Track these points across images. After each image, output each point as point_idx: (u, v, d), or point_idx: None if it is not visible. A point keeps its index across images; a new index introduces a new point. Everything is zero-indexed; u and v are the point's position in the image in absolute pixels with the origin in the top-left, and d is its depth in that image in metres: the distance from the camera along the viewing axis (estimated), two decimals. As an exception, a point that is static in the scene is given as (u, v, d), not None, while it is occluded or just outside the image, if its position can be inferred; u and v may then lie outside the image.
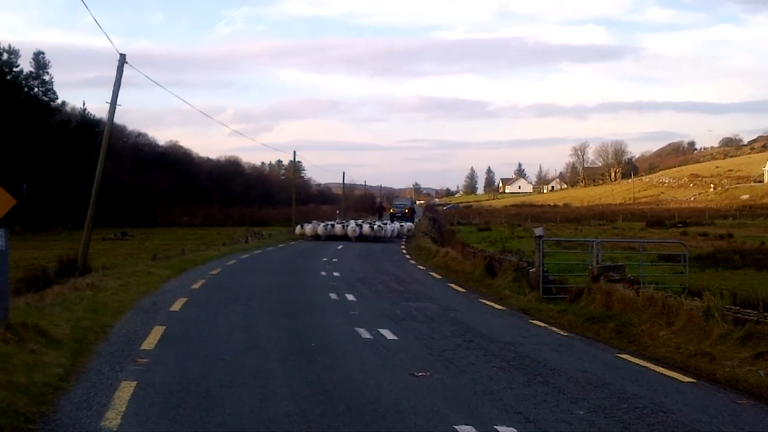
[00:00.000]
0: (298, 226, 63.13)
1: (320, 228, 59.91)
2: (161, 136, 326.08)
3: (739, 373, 11.38)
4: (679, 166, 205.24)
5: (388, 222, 68.22)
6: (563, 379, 11.15)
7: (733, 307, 14.34)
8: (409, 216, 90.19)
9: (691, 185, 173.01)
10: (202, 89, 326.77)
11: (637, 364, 12.53)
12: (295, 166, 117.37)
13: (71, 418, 8.62)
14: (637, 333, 14.99)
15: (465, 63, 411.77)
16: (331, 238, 58.03)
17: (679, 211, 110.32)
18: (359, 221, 64.88)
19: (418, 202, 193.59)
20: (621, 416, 9.15)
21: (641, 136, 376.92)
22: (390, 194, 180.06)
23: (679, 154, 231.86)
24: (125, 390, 9.85)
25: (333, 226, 60.58)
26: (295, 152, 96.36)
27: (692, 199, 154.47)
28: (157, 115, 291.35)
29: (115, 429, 8.25)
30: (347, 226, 59.93)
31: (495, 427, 8.51)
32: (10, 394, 8.95)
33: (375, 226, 59.95)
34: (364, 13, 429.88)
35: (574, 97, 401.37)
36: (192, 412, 8.93)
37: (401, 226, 65.08)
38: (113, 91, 31.95)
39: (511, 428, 8.48)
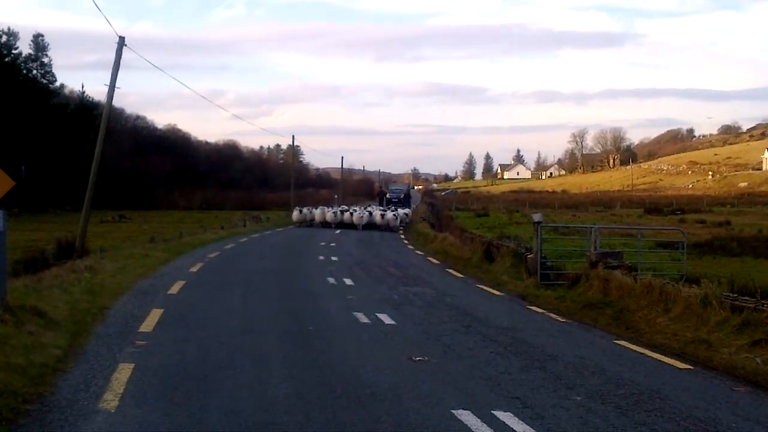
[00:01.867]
0: (296, 211, 56.22)
1: (329, 214, 53.57)
2: (161, 119, 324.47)
3: (736, 360, 11.42)
4: (677, 153, 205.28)
5: (393, 209, 60.80)
6: (560, 365, 11.17)
7: (730, 295, 14.40)
8: (404, 201, 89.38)
9: (690, 172, 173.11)
10: (203, 73, 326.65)
11: (635, 351, 12.55)
12: (294, 151, 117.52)
13: (69, 399, 8.63)
14: (635, 320, 15.01)
15: (467, 48, 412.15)
16: (338, 225, 52.34)
17: (677, 198, 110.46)
18: (368, 207, 59.78)
19: (416, 188, 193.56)
20: (618, 402, 9.17)
21: (641, 123, 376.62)
22: (389, 179, 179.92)
23: (678, 141, 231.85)
24: (123, 372, 9.86)
25: (341, 212, 53.91)
26: (293, 136, 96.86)
27: (690, 186, 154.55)
28: (157, 99, 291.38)
29: (113, 411, 8.26)
30: (353, 212, 53.77)
31: (492, 412, 8.53)
32: (8, 375, 8.96)
33: (388, 215, 53.53)
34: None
35: (576, 83, 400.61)
36: (190, 395, 8.94)
37: (405, 214, 58.60)
38: (112, 74, 31.92)
39: (509, 413, 8.49)
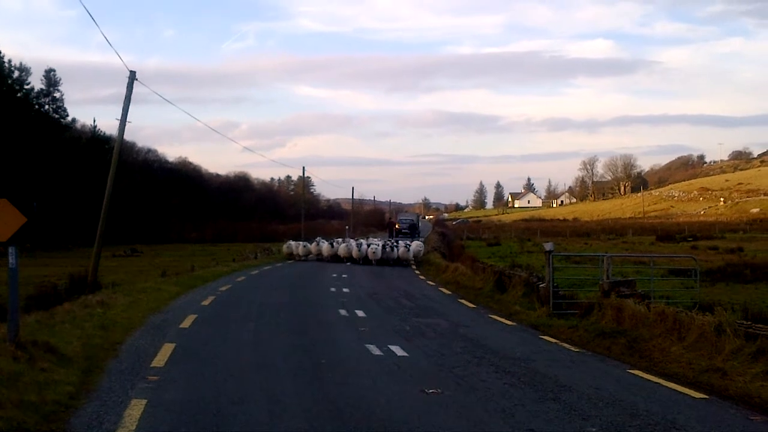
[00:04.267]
0: (291, 243, 53.99)
1: (326, 246, 50.81)
2: (174, 152, 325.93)
3: (751, 389, 11.32)
4: (688, 179, 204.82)
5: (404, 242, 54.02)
6: (575, 396, 11.09)
7: (744, 322, 14.27)
8: (411, 232, 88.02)
9: (701, 199, 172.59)
10: (216, 105, 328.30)
11: (649, 380, 12.46)
12: (304, 182, 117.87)
13: (82, 436, 8.62)
14: (649, 348, 14.91)
15: (478, 78, 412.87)
16: (340, 259, 49.44)
17: (689, 224, 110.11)
18: (378, 241, 53.55)
19: (427, 217, 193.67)
20: (633, 433, 9.09)
21: (652, 150, 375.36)
22: (399, 209, 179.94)
23: (689, 167, 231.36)
24: (135, 408, 9.84)
25: (361, 245, 49.53)
26: (304, 168, 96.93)
27: (702, 212, 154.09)
28: (169, 132, 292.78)
29: (125, 448, 8.24)
30: (361, 246, 49.36)
31: (507, 444, 8.47)
32: (21, 413, 8.95)
33: (406, 247, 48.95)
34: (375, 29, 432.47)
35: (587, 111, 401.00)
36: (203, 430, 8.91)
37: (418, 248, 50.69)
38: (123, 108, 32.15)
39: (523, 446, 8.43)
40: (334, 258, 49.89)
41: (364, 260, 47.80)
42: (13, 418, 8.66)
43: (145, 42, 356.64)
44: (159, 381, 11.67)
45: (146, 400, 10.26)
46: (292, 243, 54.69)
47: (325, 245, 51.35)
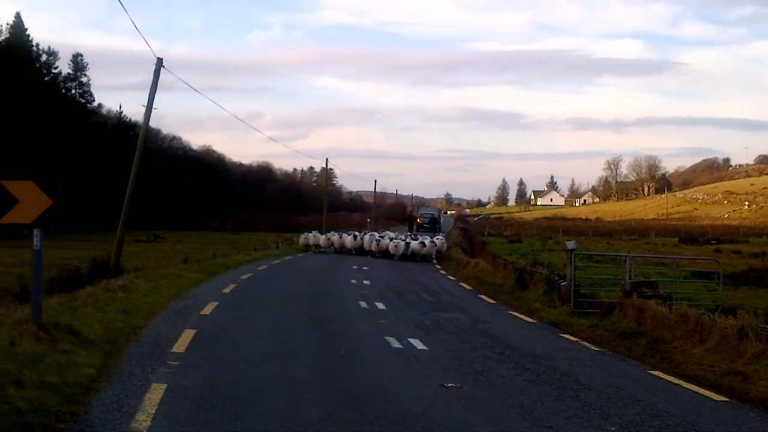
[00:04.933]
0: (309, 235, 52.47)
1: (349, 239, 49.10)
2: (198, 140, 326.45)
3: (773, 394, 11.22)
4: (713, 182, 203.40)
5: (426, 237, 53.14)
6: (594, 395, 11.04)
7: (767, 327, 14.15)
8: (431, 227, 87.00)
9: (725, 202, 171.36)
10: (242, 95, 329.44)
11: (669, 382, 12.39)
12: (327, 173, 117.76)
13: (102, 418, 8.66)
14: (670, 350, 14.82)
15: (503, 74, 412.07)
16: (361, 252, 48.06)
17: (712, 227, 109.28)
18: (399, 235, 53.20)
19: (448, 212, 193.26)
20: (653, 434, 9.04)
21: (678, 152, 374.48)
22: (421, 204, 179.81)
23: (714, 170, 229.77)
24: (155, 392, 9.89)
25: (381, 239, 47.94)
26: (327, 159, 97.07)
27: (726, 216, 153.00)
28: (195, 120, 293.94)
29: (144, 431, 8.28)
30: (380, 240, 47.69)
31: (525, 441, 8.44)
32: (43, 394, 9.02)
33: (432, 243, 48.27)
34: (399, 22, 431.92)
35: (612, 111, 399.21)
36: (221, 417, 8.94)
37: (433, 243, 49.21)
38: (149, 95, 32.32)
39: (542, 443, 8.40)
40: (358, 251, 48.24)
41: (384, 254, 46.42)
42: (34, 399, 8.72)
43: (171, 29, 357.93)
44: (179, 366, 11.72)
45: (166, 385, 10.31)
46: (310, 234, 53.15)
47: (348, 238, 49.69)
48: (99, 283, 22.58)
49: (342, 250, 49.78)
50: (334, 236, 51.37)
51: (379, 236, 50.05)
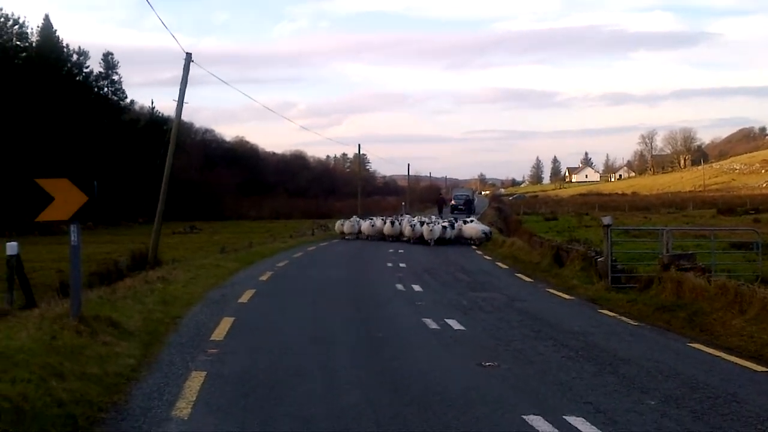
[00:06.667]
0: (345, 222, 49.19)
1: (387, 226, 46.00)
2: (231, 132, 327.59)
3: (816, 362, 11.10)
4: (750, 152, 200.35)
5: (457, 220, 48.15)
6: (633, 369, 10.99)
7: (808, 295, 13.98)
8: (466, 208, 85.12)
9: (763, 171, 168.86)
10: (273, 85, 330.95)
11: (709, 354, 12.30)
12: (360, 159, 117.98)
13: (143, 407, 8.77)
14: (709, 322, 14.70)
15: (535, 53, 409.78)
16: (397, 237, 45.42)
17: (750, 198, 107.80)
18: (439, 220, 48.86)
19: (483, 193, 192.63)
20: (693, 406, 8.99)
21: (713, 123, 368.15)
22: (455, 185, 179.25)
23: (750, 140, 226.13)
24: (195, 380, 9.98)
25: (392, 223, 45.84)
26: (359, 145, 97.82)
27: (765, 185, 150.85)
28: (228, 112, 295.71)
29: (185, 418, 8.37)
30: (415, 225, 44.64)
31: (564, 417, 8.43)
32: (84, 385, 9.14)
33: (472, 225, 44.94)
34: (427, 6, 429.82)
35: (646, 84, 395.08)
36: (261, 402, 9.01)
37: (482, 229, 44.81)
38: (180, 90, 32.60)
39: (581, 418, 8.38)
40: (396, 238, 45.24)
41: (419, 240, 43.24)
42: (75, 390, 8.84)
43: (200, 25, 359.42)
44: (218, 354, 11.82)
45: (206, 372, 10.41)
46: (346, 221, 49.90)
47: (386, 224, 46.51)
48: (138, 275, 22.82)
49: (380, 237, 46.33)
50: (378, 221, 48.00)
51: (417, 221, 46.97)
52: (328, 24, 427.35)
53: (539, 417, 8.39)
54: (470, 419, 8.36)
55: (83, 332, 11.55)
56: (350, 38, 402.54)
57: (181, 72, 32.49)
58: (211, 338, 13.22)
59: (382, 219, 48.97)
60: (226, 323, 14.73)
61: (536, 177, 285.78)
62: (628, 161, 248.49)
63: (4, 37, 77.77)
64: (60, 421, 7.86)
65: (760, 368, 11.17)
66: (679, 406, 9.01)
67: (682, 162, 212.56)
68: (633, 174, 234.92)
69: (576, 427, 8.07)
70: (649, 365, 11.27)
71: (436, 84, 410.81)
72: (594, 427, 8.07)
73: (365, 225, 47.78)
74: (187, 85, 32.73)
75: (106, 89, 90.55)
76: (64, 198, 12.24)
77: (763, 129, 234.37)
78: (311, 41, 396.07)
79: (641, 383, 10.12)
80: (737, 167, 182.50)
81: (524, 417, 8.41)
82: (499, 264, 30.67)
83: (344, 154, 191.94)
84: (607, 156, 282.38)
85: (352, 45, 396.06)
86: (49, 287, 21.25)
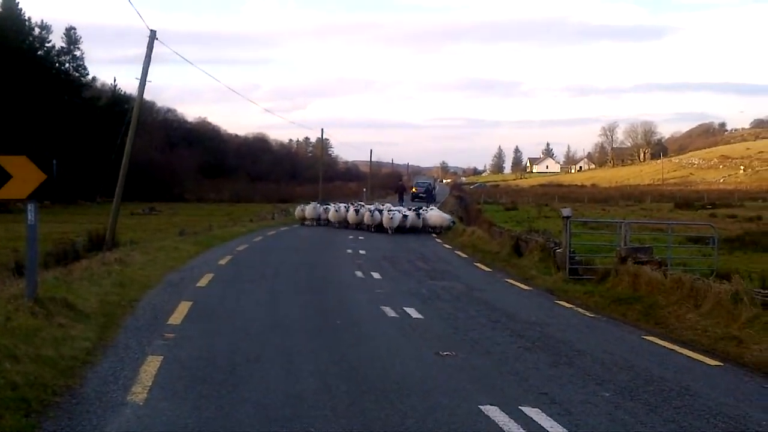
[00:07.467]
0: (306, 207, 47.44)
1: (351, 213, 44.03)
2: (194, 112, 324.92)
3: (767, 357, 11.27)
4: (709, 147, 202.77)
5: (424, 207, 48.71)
6: (589, 361, 11.11)
7: (762, 291, 14.18)
8: (427, 197, 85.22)
9: (721, 167, 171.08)
10: (239, 66, 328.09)
11: (664, 347, 12.45)
12: (323, 144, 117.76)
13: (98, 391, 8.69)
14: (664, 315, 14.88)
15: (500, 42, 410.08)
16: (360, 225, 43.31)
17: (708, 192, 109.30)
18: (397, 207, 48.50)
19: (444, 181, 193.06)
20: (647, 399, 9.10)
21: (673, 117, 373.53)
22: (417, 172, 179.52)
23: (710, 135, 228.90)
24: (152, 364, 9.92)
25: (371, 211, 43.59)
26: (322, 129, 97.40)
27: (722, 180, 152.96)
28: (192, 92, 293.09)
29: (141, 403, 8.31)
30: (374, 212, 43.32)
31: (520, 407, 8.49)
32: (38, 368, 9.04)
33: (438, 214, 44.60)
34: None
35: (609, 77, 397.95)
36: (218, 388, 8.98)
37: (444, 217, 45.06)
38: (143, 68, 32.19)
39: (536, 409, 8.45)
40: (358, 225, 43.34)
41: (378, 228, 42.33)
42: (30, 373, 8.74)
43: (166, 1, 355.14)
44: (175, 338, 11.76)
45: (162, 357, 10.35)
46: (307, 207, 48.18)
47: (350, 212, 44.51)
48: (95, 256, 22.64)
49: (342, 225, 44.58)
50: (342, 208, 45.82)
51: (375, 209, 45.21)
52: (295, 4, 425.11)
53: (495, 407, 8.45)
54: (427, 408, 8.40)
55: (38, 314, 11.42)
56: (315, 20, 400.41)
57: (145, 49, 32.13)
58: (168, 322, 13.14)
59: (345, 206, 47.07)
60: (183, 307, 14.65)
61: (497, 166, 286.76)
62: (589, 153, 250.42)
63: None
64: (13, 404, 7.76)
65: (713, 362, 11.34)
66: (633, 398, 9.12)
67: (641, 155, 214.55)
68: (593, 166, 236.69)
69: (531, 418, 8.14)
70: (605, 357, 11.40)
71: (402, 70, 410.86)
72: (549, 419, 8.14)
73: (331, 212, 46.07)
74: (151, 63, 32.35)
75: (67, 65, 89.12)
76: (22, 176, 12.06)
77: (722, 125, 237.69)
78: (278, 22, 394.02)
79: (596, 375, 10.23)
80: (696, 162, 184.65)
81: (481, 407, 8.46)
82: (459, 253, 30.77)
83: (307, 138, 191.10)
84: (569, 147, 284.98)
85: (318, 27, 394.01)
86: (5, 267, 21.01)
